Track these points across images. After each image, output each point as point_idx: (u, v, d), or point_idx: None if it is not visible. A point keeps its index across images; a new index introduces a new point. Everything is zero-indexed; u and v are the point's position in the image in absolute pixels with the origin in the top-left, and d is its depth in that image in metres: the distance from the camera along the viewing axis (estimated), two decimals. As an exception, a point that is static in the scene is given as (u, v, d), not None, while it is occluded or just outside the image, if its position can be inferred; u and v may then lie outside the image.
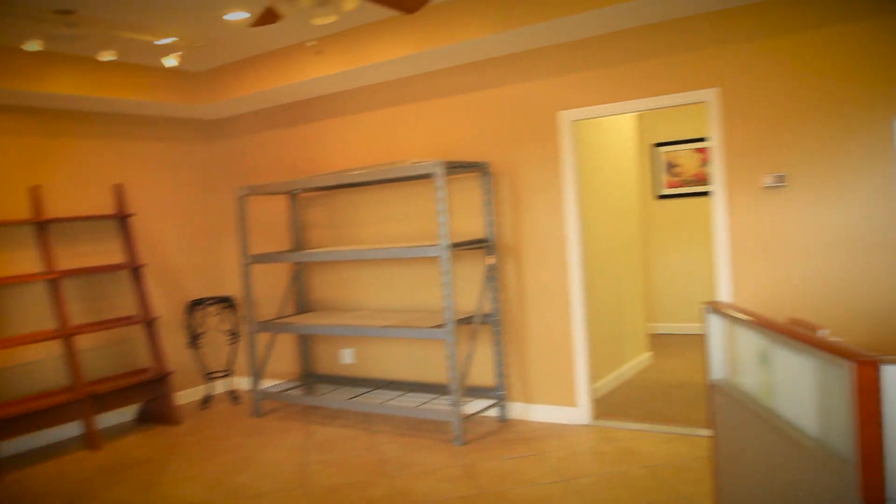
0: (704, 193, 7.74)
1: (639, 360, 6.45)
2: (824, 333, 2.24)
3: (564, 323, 5.01)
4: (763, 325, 2.28)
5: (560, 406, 5.07)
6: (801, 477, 2.06)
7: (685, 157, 7.89)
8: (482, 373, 5.39)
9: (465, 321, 5.00)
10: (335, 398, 5.51)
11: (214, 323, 6.67)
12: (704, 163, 7.76)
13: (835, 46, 4.08)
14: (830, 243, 4.14)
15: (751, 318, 2.40)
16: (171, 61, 4.97)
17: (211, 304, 6.44)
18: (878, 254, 4.01)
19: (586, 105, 4.86)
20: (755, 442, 2.40)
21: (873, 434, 1.73)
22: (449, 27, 4.73)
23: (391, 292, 5.83)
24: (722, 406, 2.71)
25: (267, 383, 6.55)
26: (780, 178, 4.26)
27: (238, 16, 4.65)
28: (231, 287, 6.89)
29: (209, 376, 6.51)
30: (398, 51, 4.96)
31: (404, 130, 5.68)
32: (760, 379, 2.41)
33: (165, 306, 6.38)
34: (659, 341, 7.60)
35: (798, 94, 4.20)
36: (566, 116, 4.92)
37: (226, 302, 6.52)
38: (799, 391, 2.13)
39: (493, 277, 5.21)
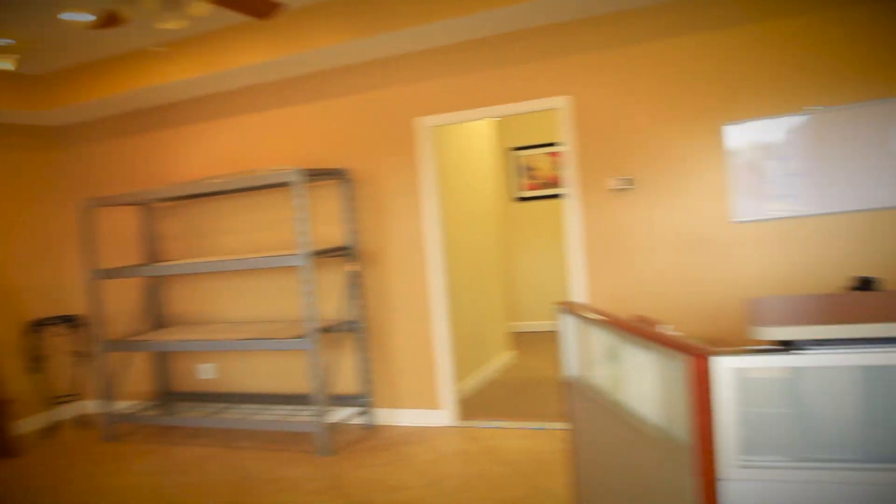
0: (561, 195, 8.07)
1: (502, 359, 6.63)
2: (666, 329, 2.39)
3: (427, 326, 5.07)
4: (610, 323, 2.40)
5: (426, 409, 5.12)
6: (647, 463, 2.18)
7: (542, 160, 8.19)
8: (348, 381, 5.35)
9: (329, 330, 4.95)
10: (195, 416, 5.28)
11: (59, 344, 6.22)
12: (560, 166, 8.09)
13: (675, 57, 4.37)
14: (672, 242, 4.42)
15: (599, 318, 2.53)
16: (4, 64, 4.60)
17: (54, 324, 6.01)
18: (711, 251, 4.33)
19: (444, 111, 4.94)
20: (607, 433, 2.53)
21: (706, 421, 1.86)
22: (306, 33, 4.67)
23: (253, 303, 5.67)
24: (576, 401, 2.83)
25: (121, 405, 6.18)
26: (628, 182, 4.51)
27: (77, 17, 4.37)
28: (79, 305, 6.45)
29: (54, 402, 6.07)
30: (255, 56, 4.84)
31: (264, 137, 5.54)
32: (610, 374, 2.54)
33: (1, 329, 5.88)
34: (522, 339, 7.84)
35: (643, 102, 4.46)
36: (424, 122, 4.98)
37: (71, 321, 6.10)
38: (644, 384, 2.26)
39: (356, 284, 5.18)
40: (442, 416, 5.07)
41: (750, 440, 1.89)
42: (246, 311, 5.70)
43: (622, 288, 4.55)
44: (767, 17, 4.18)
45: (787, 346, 1.86)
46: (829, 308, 2.01)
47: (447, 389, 5.05)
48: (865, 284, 3.68)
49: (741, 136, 4.29)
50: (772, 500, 1.86)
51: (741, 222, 4.30)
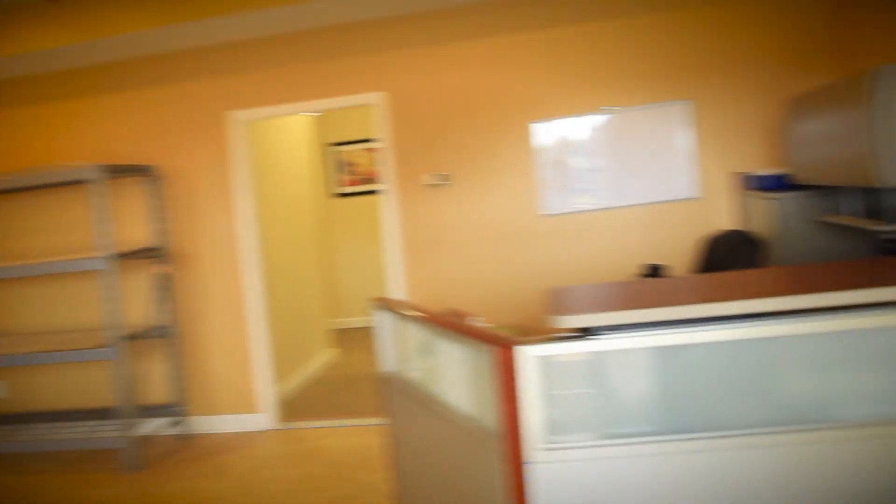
0: (380, 191, 8.11)
1: (324, 357, 6.55)
2: (476, 321, 2.47)
3: (244, 328, 4.90)
4: (423, 318, 2.44)
5: (245, 414, 4.94)
6: (459, 452, 2.24)
7: (361, 156, 8.17)
8: (159, 389, 5.04)
9: (137, 336, 4.63)
10: (-20, 439, 4.75)
11: None
12: (378, 161, 8.11)
13: (485, 56, 4.52)
14: (486, 236, 4.58)
15: (412, 313, 2.56)
16: None
17: None
18: (522, 243, 4.54)
19: (258, 105, 4.78)
20: (422, 426, 2.56)
21: (512, 408, 1.93)
22: (104, 17, 4.32)
23: (52, 311, 5.18)
24: (393, 396, 2.85)
25: None
26: (444, 177, 4.61)
27: None
28: None
29: None
30: (45, 41, 4.41)
31: (60, 131, 5.07)
32: (424, 368, 2.58)
33: None
34: (344, 336, 7.79)
35: (457, 99, 4.57)
36: (237, 117, 4.80)
37: None
38: (455, 376, 2.32)
39: (166, 287, 4.89)
40: (262, 419, 4.92)
41: (556, 424, 1.99)
42: (45, 320, 5.20)
43: (439, 282, 4.64)
44: (567, 22, 4.43)
45: (585, 332, 1.98)
46: (622, 295, 2.16)
47: (266, 391, 4.91)
48: (654, 271, 4.02)
49: (547, 133, 4.52)
50: (579, 478, 1.98)
51: (548, 215, 4.54)
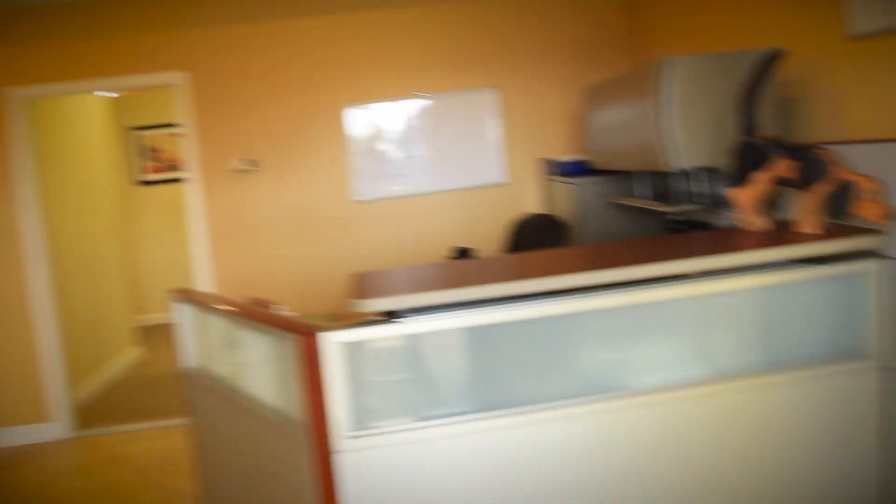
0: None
1: (127, 356, 6.10)
2: (281, 309, 2.37)
3: (29, 330, 4.42)
4: (225, 309, 2.30)
5: (34, 424, 4.47)
6: (266, 446, 2.14)
7: (167, 141, 7.67)
8: (-73, 403, 4.45)
9: None
10: None
11: None
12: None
13: (295, 38, 4.37)
14: (298, 222, 4.45)
15: (213, 304, 2.41)
16: None
17: None
18: (334, 230, 4.46)
19: (41, 82, 4.31)
20: (228, 422, 2.43)
21: (318, 397, 1.87)
22: None
23: None
24: (197, 393, 2.68)
25: None
26: (253, 163, 4.42)
27: None
28: None
29: None
30: None
31: None
32: (228, 361, 2.44)
33: None
34: (150, 333, 7.30)
35: (267, 82, 4.39)
36: (14, 94, 4.30)
37: None
38: (261, 368, 2.21)
39: (-69, 286, 4.31)
40: (55, 428, 4.48)
41: (368, 410, 1.95)
42: None
43: (250, 271, 4.45)
44: (379, 6, 4.39)
45: (390, 316, 1.95)
46: (427, 278, 2.16)
47: (59, 398, 4.47)
48: (463, 254, 4.10)
49: (360, 118, 4.47)
50: (391, 464, 1.95)
51: (362, 201, 4.49)
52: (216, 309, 2.37)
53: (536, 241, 3.84)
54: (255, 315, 2.11)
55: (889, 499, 2.20)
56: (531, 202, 4.58)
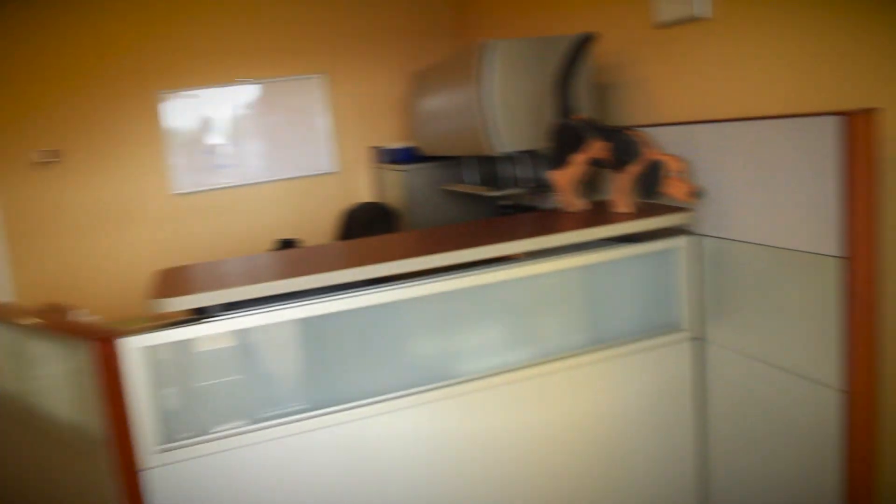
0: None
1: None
2: (80, 314, 2.13)
3: None
4: (6, 317, 2.03)
5: None
6: (60, 468, 1.91)
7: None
8: None
9: None
10: None
11: None
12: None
13: (99, 12, 3.98)
14: (108, 219, 4.10)
15: (-2, 311, 2.12)
16: None
17: None
18: (151, 225, 4.15)
19: None
20: (17, 446, 2.16)
21: (119, 408, 1.68)
22: None
23: None
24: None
25: None
26: (54, 154, 4.01)
27: None
28: None
29: None
30: None
31: None
32: (16, 376, 2.17)
33: None
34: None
35: (68, 61, 3.97)
36: None
37: None
38: (55, 381, 1.97)
39: None
40: None
41: (181, 419, 1.78)
42: None
43: (54, 274, 4.04)
44: (190, -16, 4.11)
45: (201, 314, 1.80)
46: (241, 271, 2.01)
47: None
48: (288, 245, 3.95)
49: (180, 105, 4.17)
50: (213, 474, 1.80)
51: (182, 194, 4.21)
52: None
53: (367, 229, 3.76)
54: (49, 323, 1.87)
55: (702, 456, 2.33)
56: (362, 191, 4.49)
